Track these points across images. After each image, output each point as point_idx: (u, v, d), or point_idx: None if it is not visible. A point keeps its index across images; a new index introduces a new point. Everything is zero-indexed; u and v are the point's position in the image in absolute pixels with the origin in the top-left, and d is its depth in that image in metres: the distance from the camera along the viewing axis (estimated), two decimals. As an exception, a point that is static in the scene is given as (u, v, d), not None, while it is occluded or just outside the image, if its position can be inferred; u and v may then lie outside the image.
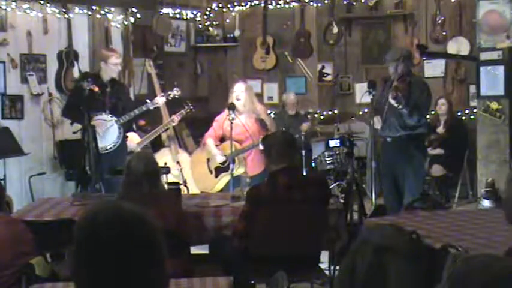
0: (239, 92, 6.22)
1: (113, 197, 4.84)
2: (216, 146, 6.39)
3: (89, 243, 1.56)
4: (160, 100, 6.63)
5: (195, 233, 4.43)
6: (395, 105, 5.79)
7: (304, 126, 8.18)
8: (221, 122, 6.34)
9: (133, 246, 1.56)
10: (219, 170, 6.45)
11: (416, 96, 5.86)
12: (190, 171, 7.14)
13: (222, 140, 6.43)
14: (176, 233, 3.73)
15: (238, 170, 6.14)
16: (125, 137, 6.56)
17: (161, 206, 3.74)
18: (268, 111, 9.52)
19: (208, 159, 6.54)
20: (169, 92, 6.94)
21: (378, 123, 6.07)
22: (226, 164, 6.35)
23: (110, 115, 6.32)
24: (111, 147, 6.33)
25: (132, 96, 8.26)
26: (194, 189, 6.90)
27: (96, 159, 5.79)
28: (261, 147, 6.07)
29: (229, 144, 5.86)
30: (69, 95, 7.15)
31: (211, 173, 6.53)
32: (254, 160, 6.29)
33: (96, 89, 6.02)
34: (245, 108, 6.15)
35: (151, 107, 6.58)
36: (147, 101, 6.75)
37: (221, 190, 6.34)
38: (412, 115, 5.83)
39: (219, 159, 6.34)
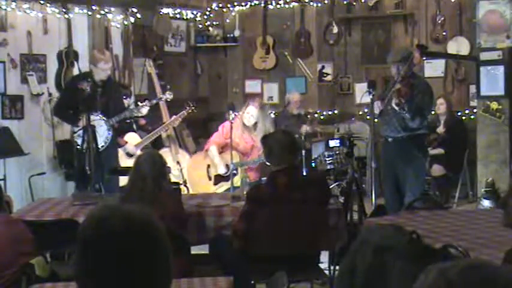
0: (252, 113, 6.52)
1: (113, 197, 4.84)
2: (220, 153, 6.47)
3: (94, 248, 1.55)
4: (144, 109, 6.60)
5: (195, 233, 4.43)
6: (398, 111, 5.79)
7: (303, 128, 8.17)
8: (230, 131, 6.32)
9: (139, 252, 1.56)
10: (219, 179, 6.50)
11: (419, 99, 5.84)
12: (187, 173, 7.16)
13: (225, 146, 6.50)
14: (177, 234, 3.74)
15: (238, 180, 6.19)
16: (115, 138, 6.53)
17: (163, 206, 3.75)
18: (269, 111, 9.61)
19: (208, 166, 6.58)
20: (161, 96, 7.03)
21: (376, 108, 5.93)
22: (227, 174, 6.42)
23: (100, 116, 6.29)
24: (100, 148, 6.29)
25: (132, 96, 8.27)
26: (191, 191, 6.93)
27: (96, 159, 5.78)
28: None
29: (236, 153, 5.99)
30: (61, 94, 7.11)
31: (209, 179, 6.57)
32: (254, 169, 6.44)
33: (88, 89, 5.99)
34: (257, 127, 6.49)
35: (138, 114, 6.60)
36: (139, 103, 6.77)
37: None
38: (414, 119, 5.82)
39: (221, 170, 6.45)
